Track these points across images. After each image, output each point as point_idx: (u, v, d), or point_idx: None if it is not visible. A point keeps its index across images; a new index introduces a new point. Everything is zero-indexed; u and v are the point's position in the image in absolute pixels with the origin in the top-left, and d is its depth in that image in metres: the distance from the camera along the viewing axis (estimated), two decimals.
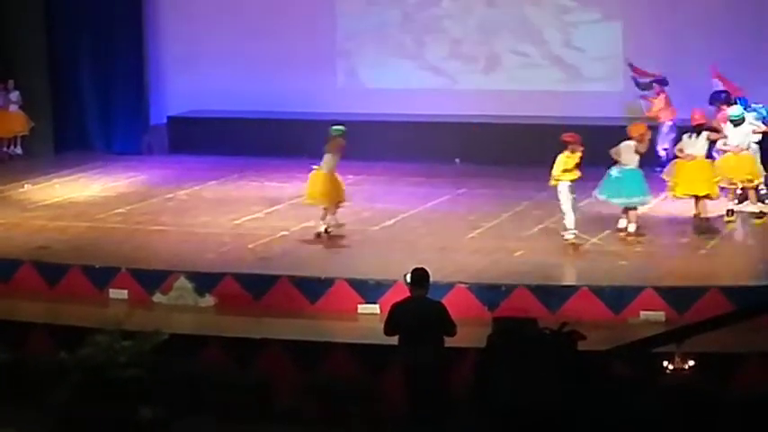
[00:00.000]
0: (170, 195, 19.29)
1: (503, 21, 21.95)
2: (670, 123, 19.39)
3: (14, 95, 22.76)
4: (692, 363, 10.60)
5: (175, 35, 23.16)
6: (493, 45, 21.97)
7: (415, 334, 11.30)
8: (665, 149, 19.00)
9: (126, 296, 14.71)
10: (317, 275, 14.44)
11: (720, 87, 18.88)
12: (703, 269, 14.67)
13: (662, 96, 19.73)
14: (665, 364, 10.68)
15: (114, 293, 14.79)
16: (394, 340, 11.58)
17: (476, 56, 21.97)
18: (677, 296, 13.60)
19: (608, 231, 16.31)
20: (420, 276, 11.49)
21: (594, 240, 15.89)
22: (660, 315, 13.53)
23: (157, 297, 14.65)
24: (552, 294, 13.75)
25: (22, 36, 22.86)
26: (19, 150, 23.06)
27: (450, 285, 13.63)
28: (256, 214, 17.77)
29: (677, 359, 10.65)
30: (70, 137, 22.99)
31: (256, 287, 14.43)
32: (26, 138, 23.04)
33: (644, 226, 16.60)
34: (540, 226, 16.68)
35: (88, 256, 15.49)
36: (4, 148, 23.10)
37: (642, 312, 13.60)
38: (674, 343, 10.76)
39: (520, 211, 17.66)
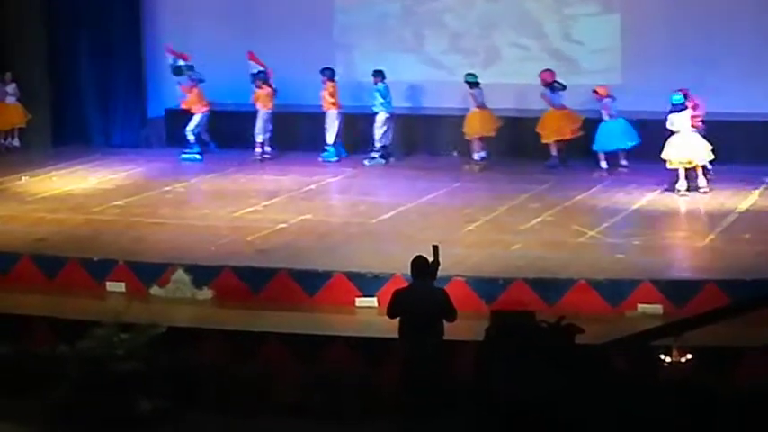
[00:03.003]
0: (168, 188, 19.29)
1: (502, 14, 21.93)
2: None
3: (12, 88, 22.74)
4: (689, 356, 10.62)
5: (173, 28, 23.11)
6: (492, 38, 21.95)
7: (416, 321, 11.38)
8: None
9: (123, 289, 14.71)
10: (315, 268, 14.44)
11: (257, 68, 21.35)
12: (701, 262, 14.68)
13: (195, 90, 21.41)
14: (663, 357, 10.70)
15: (112, 286, 14.79)
16: (392, 333, 11.59)
17: (475, 49, 21.95)
18: (675, 289, 13.60)
19: (605, 224, 16.33)
20: (420, 264, 11.56)
21: (592, 233, 15.89)
22: (658, 308, 13.52)
23: (155, 290, 14.65)
24: (550, 288, 13.75)
25: (21, 28, 22.84)
26: (16, 143, 23.04)
27: (448, 278, 13.61)
28: (255, 207, 17.77)
29: (675, 352, 10.66)
30: (68, 129, 22.96)
31: (254, 280, 14.43)
32: (24, 130, 23.01)
33: (639, 219, 16.65)
34: (538, 219, 16.68)
35: (86, 249, 15.49)
36: (2, 141, 23.09)
37: (640, 305, 13.60)
38: (672, 336, 10.78)
39: (517, 204, 17.66)
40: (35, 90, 22.82)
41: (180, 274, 14.61)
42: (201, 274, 14.59)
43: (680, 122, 18.02)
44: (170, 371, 12.10)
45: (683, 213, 17.11)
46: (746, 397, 10.91)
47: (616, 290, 13.72)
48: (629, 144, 19.39)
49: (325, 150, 20.97)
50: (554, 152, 20.10)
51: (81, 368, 11.81)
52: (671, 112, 18.15)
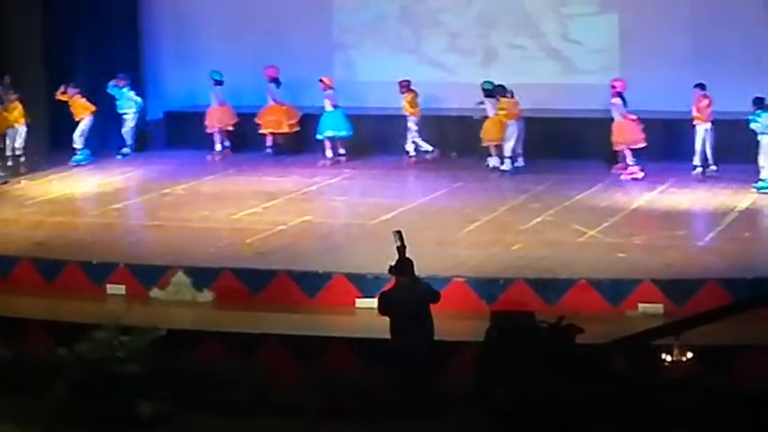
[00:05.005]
0: (167, 190, 19.27)
1: (500, 14, 21.95)
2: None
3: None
4: (690, 355, 10.60)
5: (172, 30, 23.13)
6: (490, 38, 21.96)
7: (406, 318, 11.47)
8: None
9: (123, 291, 14.70)
10: (314, 270, 14.43)
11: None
12: (702, 261, 14.66)
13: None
14: (664, 356, 10.69)
15: (112, 289, 14.77)
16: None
17: (474, 49, 21.97)
18: (676, 288, 13.59)
19: (606, 224, 16.31)
20: (401, 264, 11.67)
21: (592, 233, 15.88)
22: (659, 307, 13.52)
23: (155, 292, 14.64)
24: (550, 288, 13.73)
25: (19, 31, 22.77)
26: None
27: (448, 279, 13.62)
28: (254, 209, 17.75)
29: (676, 351, 10.65)
30: (67, 132, 22.92)
31: (254, 282, 14.42)
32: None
33: (639, 219, 16.64)
34: (538, 219, 16.67)
35: (85, 252, 15.47)
36: (1, 144, 23.04)
37: (641, 305, 13.59)
38: (673, 335, 10.77)
39: (517, 204, 17.66)
40: (33, 93, 22.76)
41: (180, 276, 14.60)
42: (201, 276, 14.58)
43: (489, 106, 20.00)
44: (170, 373, 12.09)
45: (683, 212, 17.09)
46: (748, 396, 10.91)
47: (617, 289, 13.71)
48: (345, 133, 20.90)
49: (76, 153, 21.43)
50: (269, 143, 21.55)
51: (81, 371, 11.80)
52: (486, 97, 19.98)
